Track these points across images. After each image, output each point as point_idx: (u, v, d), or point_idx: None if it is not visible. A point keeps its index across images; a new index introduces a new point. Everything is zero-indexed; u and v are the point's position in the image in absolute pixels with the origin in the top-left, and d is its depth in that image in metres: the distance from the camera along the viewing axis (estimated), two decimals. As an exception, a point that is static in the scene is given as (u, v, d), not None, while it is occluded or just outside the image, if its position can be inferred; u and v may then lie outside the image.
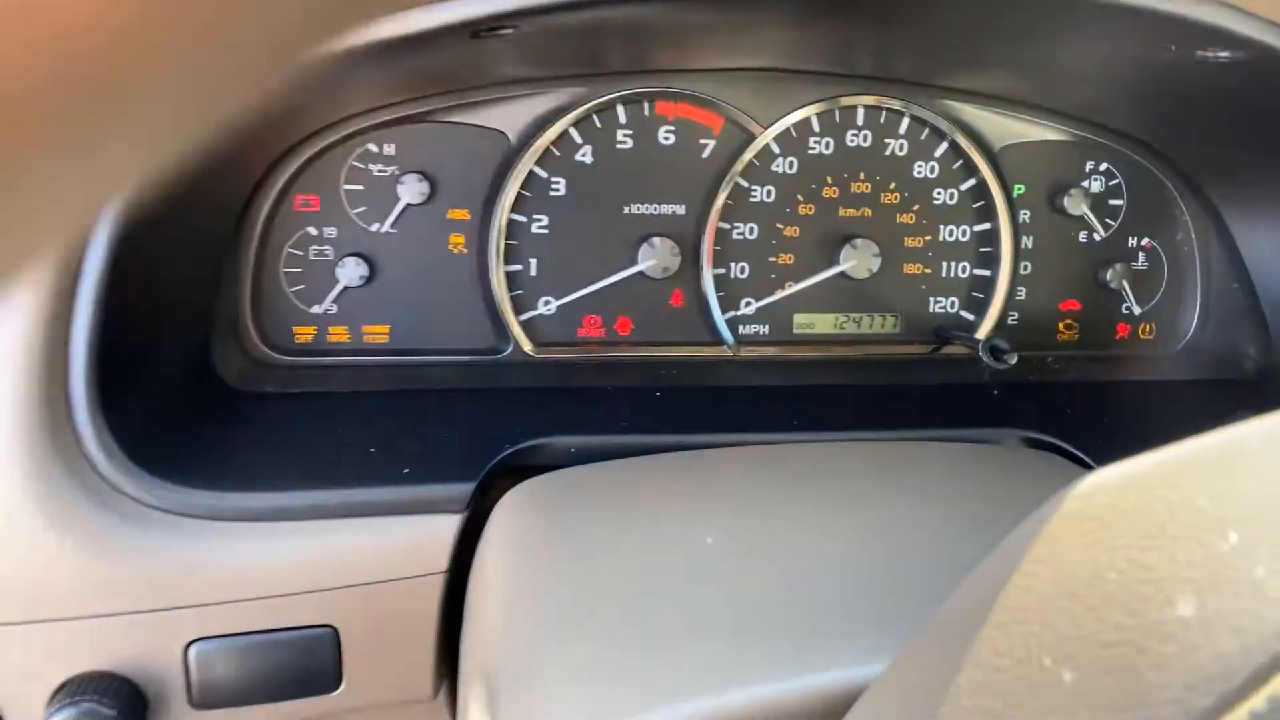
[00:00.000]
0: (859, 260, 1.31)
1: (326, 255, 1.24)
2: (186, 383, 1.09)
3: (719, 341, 1.33)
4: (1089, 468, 1.03)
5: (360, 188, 1.23)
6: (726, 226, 1.31)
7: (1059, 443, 1.07)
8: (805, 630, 0.64)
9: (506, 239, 1.26)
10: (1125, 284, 1.39)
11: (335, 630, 0.93)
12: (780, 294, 1.33)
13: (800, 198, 1.31)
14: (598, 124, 1.26)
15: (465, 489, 0.95)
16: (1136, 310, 1.41)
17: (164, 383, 1.04)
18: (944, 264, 1.36)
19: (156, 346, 1.04)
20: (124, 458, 0.89)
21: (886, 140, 1.32)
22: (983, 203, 1.35)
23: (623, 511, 0.84)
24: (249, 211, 1.19)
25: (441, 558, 0.94)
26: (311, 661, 0.93)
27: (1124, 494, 0.43)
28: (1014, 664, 0.44)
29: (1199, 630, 0.37)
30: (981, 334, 1.36)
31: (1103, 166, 1.37)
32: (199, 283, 1.13)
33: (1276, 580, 0.36)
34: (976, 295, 1.38)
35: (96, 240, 0.88)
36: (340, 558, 0.92)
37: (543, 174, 1.26)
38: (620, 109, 1.26)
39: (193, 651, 0.89)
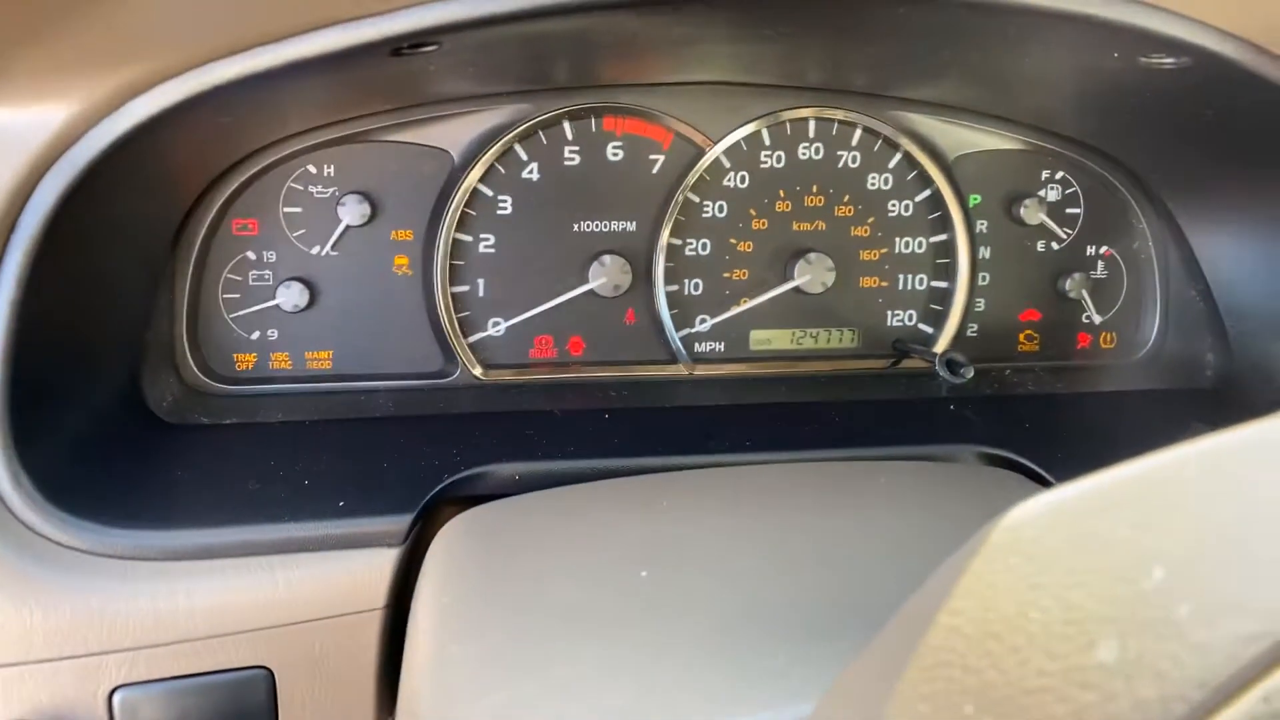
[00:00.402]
0: (814, 274, 1.28)
1: (266, 280, 1.21)
2: (113, 415, 1.05)
3: (674, 360, 1.31)
4: (1046, 483, 1.01)
5: (299, 210, 1.20)
6: (678, 242, 1.29)
7: (1017, 458, 1.05)
8: (738, 670, 0.61)
9: (452, 259, 1.23)
10: (1085, 293, 1.37)
11: (270, 672, 0.89)
12: (735, 310, 1.31)
13: (752, 212, 1.29)
14: (544, 140, 1.23)
15: (402, 521, 0.91)
16: (1097, 319, 1.40)
17: (88, 416, 1.00)
18: (901, 277, 1.34)
19: (80, 377, 1.00)
20: (39, 496, 0.85)
21: (839, 152, 1.30)
22: (938, 214, 1.33)
23: (560, 544, 0.81)
24: (184, 236, 1.16)
25: (379, 593, 0.90)
26: (245, 705, 0.89)
27: (1051, 526, 0.40)
28: (934, 711, 0.41)
29: (1119, 676, 0.35)
30: (940, 347, 1.34)
31: (1059, 175, 1.36)
32: (129, 310, 1.10)
33: (1200, 621, 0.34)
34: (935, 307, 1.36)
35: (8, 265, 0.84)
36: (273, 596, 0.88)
37: (488, 192, 1.23)
38: (567, 125, 1.23)
39: (117, 699, 0.85)
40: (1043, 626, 0.38)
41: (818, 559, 0.75)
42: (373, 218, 1.21)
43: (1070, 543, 0.39)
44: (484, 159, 1.21)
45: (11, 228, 0.84)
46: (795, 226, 1.30)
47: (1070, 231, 1.37)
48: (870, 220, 1.32)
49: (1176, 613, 0.34)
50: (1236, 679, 0.32)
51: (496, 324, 1.27)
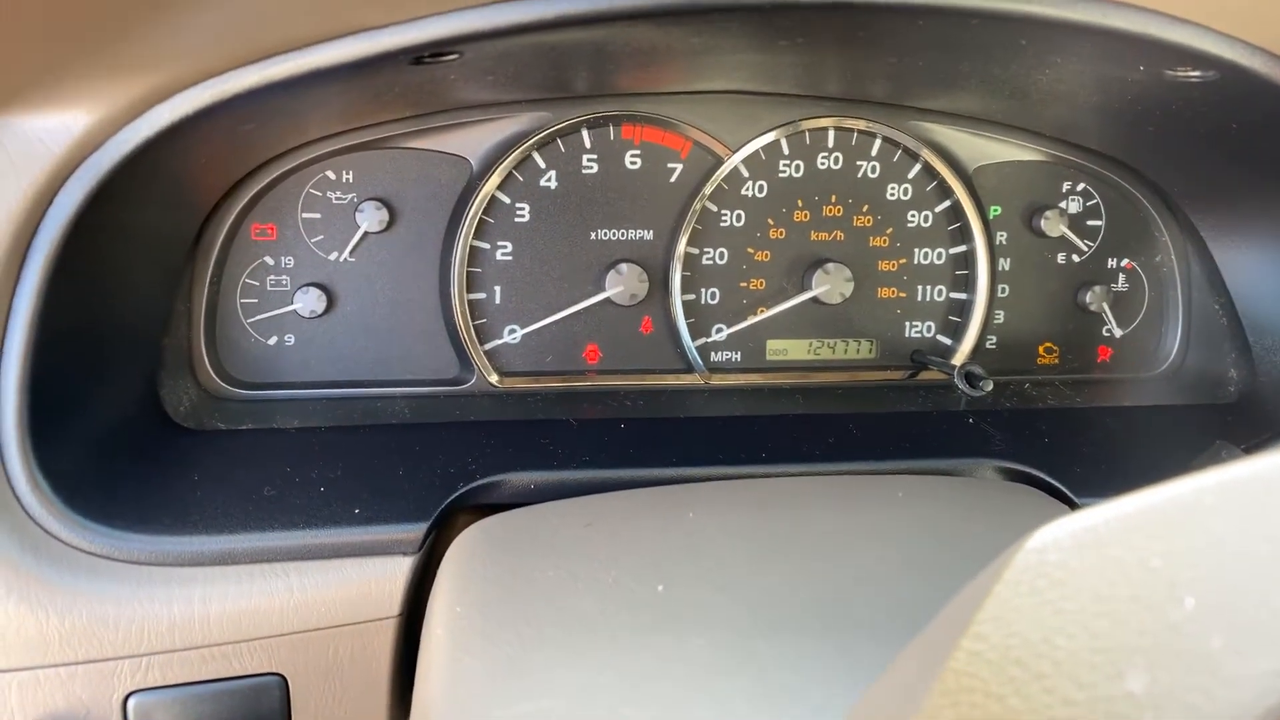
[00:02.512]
0: (832, 285, 1.28)
1: (284, 285, 1.21)
2: (131, 421, 1.05)
3: (690, 369, 1.30)
4: (1066, 499, 1.00)
5: (318, 216, 1.20)
6: (696, 251, 1.28)
7: (1036, 473, 1.04)
8: (757, 686, 0.61)
9: (469, 266, 1.23)
10: (1105, 306, 1.36)
11: (283, 679, 0.89)
12: (752, 320, 1.30)
13: (770, 221, 1.29)
14: (562, 148, 1.23)
15: (418, 529, 0.91)
16: (1117, 333, 1.38)
17: (106, 421, 1.01)
18: (919, 288, 1.33)
19: (98, 383, 1.01)
20: (57, 500, 0.86)
21: (858, 162, 1.29)
22: (958, 225, 1.32)
23: (576, 554, 0.81)
24: (202, 241, 1.16)
25: (394, 601, 0.90)
26: (258, 712, 0.89)
27: (1077, 550, 0.39)
28: (958, 739, 0.40)
29: (1149, 709, 0.34)
30: (959, 359, 1.33)
31: (1080, 187, 1.35)
32: (147, 315, 1.10)
33: (1234, 653, 0.33)
34: (954, 319, 1.35)
35: (29, 270, 0.85)
36: (288, 602, 0.88)
37: (506, 199, 1.23)
38: (585, 133, 1.23)
39: (132, 704, 0.85)
40: (1069, 654, 0.37)
41: (836, 575, 0.75)
42: (391, 224, 1.21)
43: (1097, 569, 0.38)
44: (502, 166, 1.21)
45: (33, 233, 0.85)
46: (813, 236, 1.30)
47: (1091, 244, 1.36)
48: (889, 231, 1.31)
49: (1208, 644, 0.34)
50: (1271, 715, 0.31)
51: (513, 331, 1.27)
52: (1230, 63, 0.84)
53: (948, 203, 1.32)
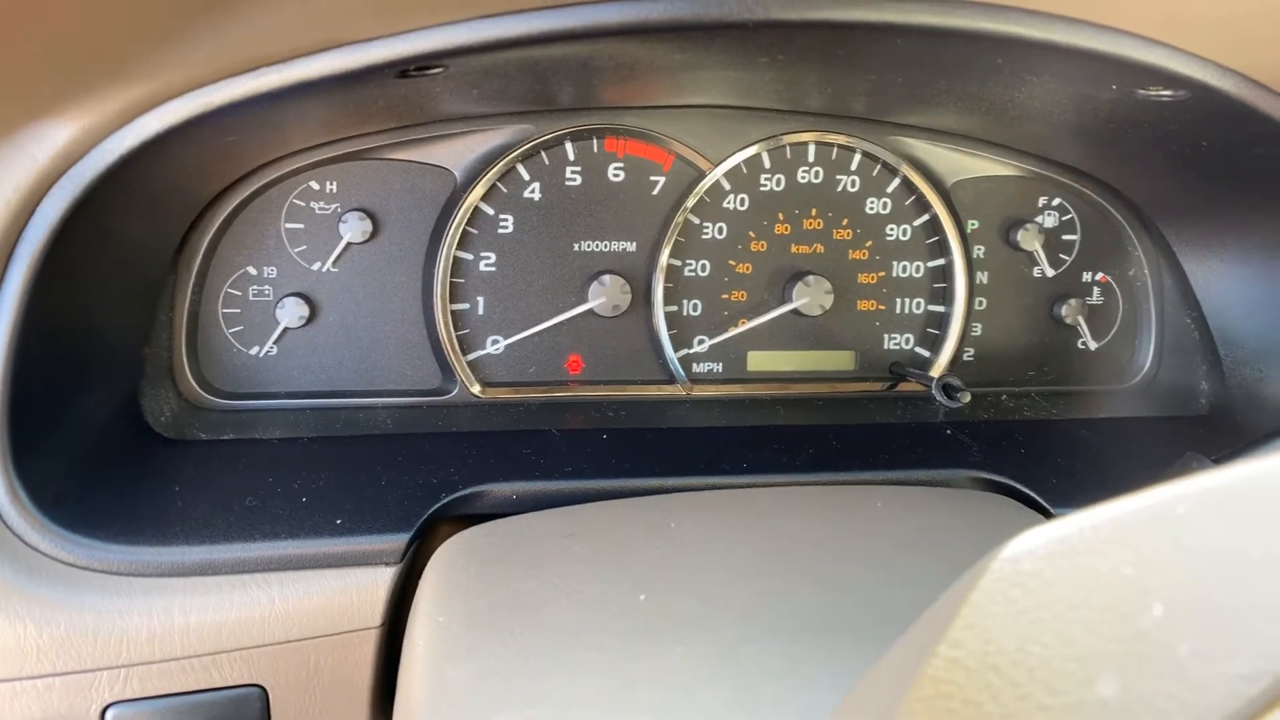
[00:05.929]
0: (812, 297, 1.29)
1: (266, 295, 1.21)
2: (111, 431, 1.05)
3: (671, 380, 1.31)
4: (1042, 509, 1.02)
5: (301, 226, 1.20)
6: (678, 263, 1.29)
7: (1012, 483, 1.05)
8: (739, 694, 0.61)
9: (452, 277, 1.24)
10: (1080, 319, 1.38)
11: (264, 690, 0.89)
12: (733, 331, 1.31)
13: (752, 234, 1.30)
14: (546, 160, 1.24)
15: (400, 540, 0.91)
16: (1092, 345, 1.41)
17: (86, 431, 1.00)
18: (898, 300, 1.35)
19: (79, 393, 1.00)
20: (35, 511, 0.85)
21: (838, 176, 1.31)
22: (936, 238, 1.34)
23: (558, 565, 0.81)
24: (185, 251, 1.16)
25: (376, 612, 0.90)
26: (238, 723, 0.89)
27: (1050, 559, 0.40)
28: (934, 745, 0.41)
29: (1120, 713, 0.35)
30: (937, 370, 1.35)
31: (1055, 202, 1.37)
32: (128, 325, 1.10)
33: (1200, 659, 0.34)
34: (932, 331, 1.37)
35: (10, 280, 0.85)
36: (269, 613, 0.88)
37: (490, 211, 1.24)
38: (569, 145, 1.24)
39: (110, 715, 0.85)
40: (1043, 661, 0.38)
41: (816, 584, 0.75)
42: (374, 235, 1.21)
43: (1070, 577, 0.39)
44: (486, 178, 1.21)
45: (15, 242, 0.84)
46: (794, 249, 1.31)
47: (1066, 258, 1.38)
48: (868, 244, 1.33)
49: (1176, 650, 0.35)
50: (1236, 718, 0.32)
51: (496, 342, 1.27)
52: (1201, 83, 0.86)
53: (926, 217, 1.33)
